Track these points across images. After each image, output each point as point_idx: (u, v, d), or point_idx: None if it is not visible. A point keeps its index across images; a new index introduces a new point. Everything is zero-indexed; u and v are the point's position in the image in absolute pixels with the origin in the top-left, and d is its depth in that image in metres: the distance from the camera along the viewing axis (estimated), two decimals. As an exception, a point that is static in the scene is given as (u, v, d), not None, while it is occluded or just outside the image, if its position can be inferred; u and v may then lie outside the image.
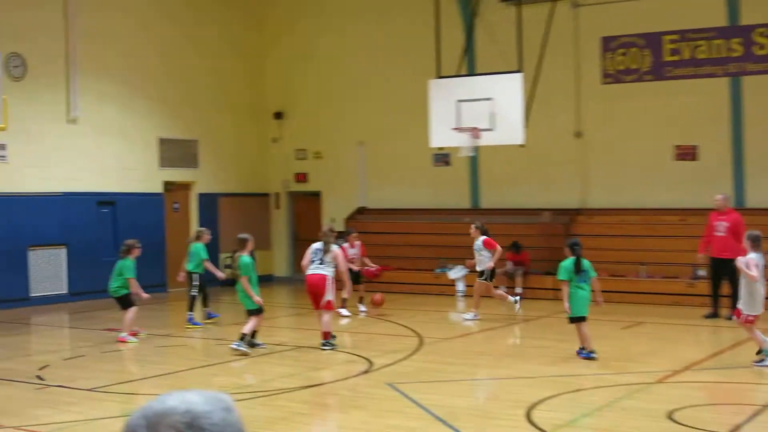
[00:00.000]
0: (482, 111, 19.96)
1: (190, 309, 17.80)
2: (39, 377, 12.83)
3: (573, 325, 13.75)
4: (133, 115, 23.89)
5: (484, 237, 18.24)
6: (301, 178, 27.44)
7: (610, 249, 22.05)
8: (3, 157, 20.89)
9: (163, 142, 24.69)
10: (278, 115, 27.61)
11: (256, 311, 14.77)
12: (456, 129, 20.19)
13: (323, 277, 14.67)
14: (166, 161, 24.75)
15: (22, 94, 20.98)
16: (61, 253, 21.81)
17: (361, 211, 26.16)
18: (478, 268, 18.32)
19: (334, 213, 26.62)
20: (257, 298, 14.71)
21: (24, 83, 21.31)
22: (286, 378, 12.67)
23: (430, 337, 16.07)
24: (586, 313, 13.64)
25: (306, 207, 27.67)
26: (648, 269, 21.37)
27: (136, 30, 24.02)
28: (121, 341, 15.76)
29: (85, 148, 22.62)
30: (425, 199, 25.47)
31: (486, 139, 20.12)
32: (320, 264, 14.71)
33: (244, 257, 14.89)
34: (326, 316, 14.76)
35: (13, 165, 21.05)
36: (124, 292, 16.19)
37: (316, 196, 27.35)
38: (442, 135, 20.59)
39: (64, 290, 21.83)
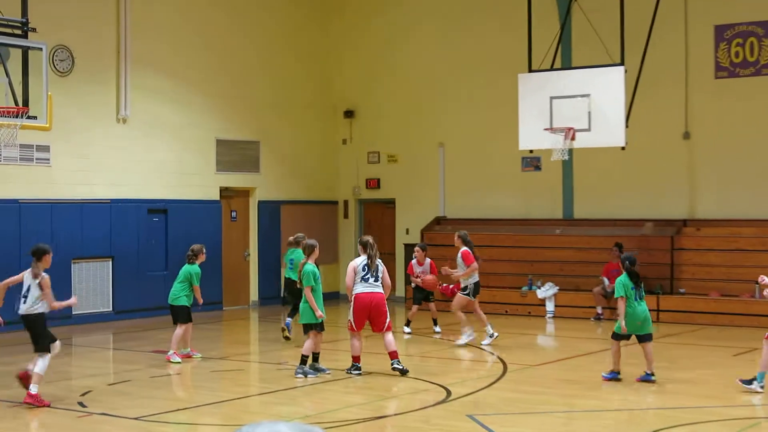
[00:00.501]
0: (578, 109, 19.77)
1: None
2: (81, 404, 12.93)
3: (639, 345, 14.13)
4: (188, 114, 24.11)
5: (464, 249, 17.99)
6: (373, 184, 27.46)
7: (720, 265, 21.68)
8: (46, 160, 21.20)
9: (221, 144, 24.88)
10: (349, 114, 27.68)
11: (317, 327, 14.77)
12: (548, 129, 20.01)
13: (382, 296, 14.89)
14: (223, 165, 24.94)
15: (68, 90, 21.29)
16: (107, 266, 22.05)
17: (439, 221, 26.08)
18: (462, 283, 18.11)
19: (409, 223, 26.58)
20: (320, 312, 14.73)
21: (70, 79, 21.63)
22: (354, 408, 12.60)
23: (515, 363, 15.91)
24: (648, 331, 14.06)
25: (378, 216, 27.66)
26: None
27: (193, 22, 24.27)
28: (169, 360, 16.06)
29: (135, 150, 22.87)
30: (512, 208, 25.29)
31: (582, 141, 19.91)
32: (375, 281, 14.88)
33: (309, 265, 14.94)
34: (391, 335, 14.97)
35: (57, 169, 21.35)
36: (185, 302, 16.45)
37: (389, 204, 27.33)
38: (532, 136, 20.43)
39: (109, 308, 22.07)
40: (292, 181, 26.73)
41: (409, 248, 26.16)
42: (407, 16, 26.90)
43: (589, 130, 19.74)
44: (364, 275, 14.91)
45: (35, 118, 16.94)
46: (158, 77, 23.41)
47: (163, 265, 22.87)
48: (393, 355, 14.88)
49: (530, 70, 20.90)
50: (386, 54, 27.18)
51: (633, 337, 14.13)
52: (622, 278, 14.03)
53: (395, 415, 12.39)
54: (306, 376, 14.53)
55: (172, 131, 23.76)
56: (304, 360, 14.68)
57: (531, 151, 22.34)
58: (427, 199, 26.47)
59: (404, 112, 26.81)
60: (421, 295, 19.96)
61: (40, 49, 17.06)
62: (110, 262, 22.08)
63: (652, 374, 13.99)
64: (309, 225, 26.63)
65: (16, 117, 16.37)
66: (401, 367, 14.76)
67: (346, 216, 28.02)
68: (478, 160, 25.71)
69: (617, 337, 14.14)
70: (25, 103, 16.81)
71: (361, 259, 15.05)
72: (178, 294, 16.52)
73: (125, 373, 15.48)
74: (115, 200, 22.37)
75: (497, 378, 14.60)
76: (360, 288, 14.90)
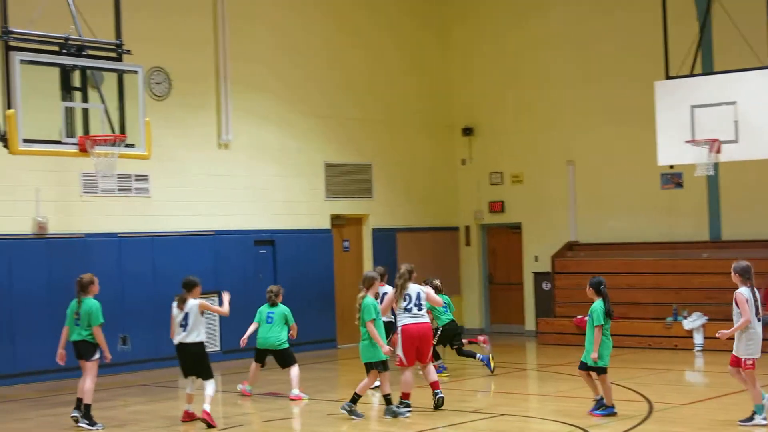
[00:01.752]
0: (723, 118, 19.46)
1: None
2: (189, 450, 13.09)
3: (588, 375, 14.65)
4: (294, 138, 24.34)
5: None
6: (497, 207, 27.35)
7: None
8: (145, 191, 21.59)
9: (330, 168, 25.04)
10: (468, 132, 27.66)
11: (380, 365, 14.82)
12: (690, 142, 19.72)
13: (429, 326, 15.37)
14: (333, 191, 25.09)
15: (166, 115, 21.67)
16: (213, 302, 22.25)
17: (570, 246, 25.85)
18: None
19: (537, 249, 26.40)
20: (386, 348, 14.80)
21: (167, 103, 22.02)
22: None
23: (661, 402, 15.67)
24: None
25: (503, 243, 27.54)
26: None
27: (296, 41, 24.53)
28: (295, 399, 16.71)
29: (239, 177, 23.16)
30: (652, 230, 24.95)
31: (728, 154, 19.57)
32: (419, 311, 15.18)
33: (369, 298, 15.01)
34: (432, 367, 15.38)
35: (157, 200, 21.74)
36: (287, 344, 17.15)
37: (515, 229, 27.19)
38: (672, 150, 20.16)
39: (216, 347, 22.29)
40: (407, 206, 26.77)
41: (539, 277, 26.01)
42: (530, 26, 26.79)
43: (736, 141, 19.40)
44: (406, 306, 15.16)
45: (133, 146, 17.23)
46: (260, 98, 23.69)
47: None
48: (435, 386, 15.28)
49: (667, 77, 20.64)
50: (507, 66, 27.10)
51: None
52: (599, 305, 14.46)
53: (531, 460, 12.27)
54: (350, 414, 14.78)
55: (278, 156, 23.99)
56: (387, 400, 14.88)
57: (671, 167, 22.07)
58: (556, 222, 26.26)
59: (529, 128, 26.68)
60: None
61: (136, 72, 17.37)
62: (216, 298, 22.30)
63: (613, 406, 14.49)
64: (427, 253, 26.66)
65: (113, 145, 16.67)
66: (442, 396, 15.23)
67: (467, 243, 27.93)
68: (611, 178, 25.43)
69: (597, 370, 14.58)
70: (122, 130, 17.12)
71: (392, 290, 15.59)
72: (283, 338, 17.20)
73: (237, 417, 15.61)
74: (219, 232, 22.67)
75: (642, 419, 14.38)
76: (405, 319, 15.16)
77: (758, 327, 13.53)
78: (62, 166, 19.94)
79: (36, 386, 19.20)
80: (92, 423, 14.70)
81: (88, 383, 14.78)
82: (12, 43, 16.08)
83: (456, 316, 27.24)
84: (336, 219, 25.29)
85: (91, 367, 14.94)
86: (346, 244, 25.63)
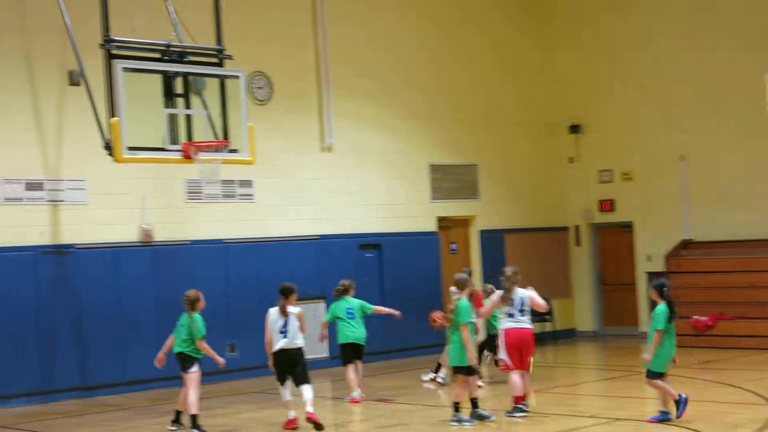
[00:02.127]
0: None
1: None
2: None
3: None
4: (398, 139, 24.42)
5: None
6: (607, 206, 27.13)
7: None
8: (250, 196, 21.82)
9: (436, 170, 25.07)
10: (574, 129, 27.47)
11: (464, 371, 14.83)
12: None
13: (531, 332, 15.32)
14: (439, 192, 25.12)
15: (268, 119, 21.88)
16: (319, 308, 22.43)
17: (685, 245, 25.53)
18: None
19: (650, 248, 26.12)
20: (473, 356, 14.83)
21: (269, 107, 22.24)
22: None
23: (786, 405, 15.42)
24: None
25: (614, 242, 27.29)
26: None
27: (398, 40, 24.64)
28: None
29: (343, 180, 23.31)
30: (770, 226, 24.58)
31: None
32: (522, 315, 15.25)
33: (464, 300, 15.04)
34: (527, 379, 15.38)
35: (261, 205, 21.95)
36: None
37: (626, 228, 26.94)
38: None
39: (326, 353, 22.43)
40: (515, 206, 26.67)
41: (652, 277, 25.69)
42: (637, 15, 26.51)
43: None
44: (509, 310, 15.26)
45: (237, 151, 17.46)
46: (362, 101, 23.81)
47: (379, 304, 23.09)
48: (519, 400, 15.17)
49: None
50: (615, 59, 26.83)
51: None
52: (662, 308, 14.37)
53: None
54: (461, 423, 14.64)
55: (382, 158, 24.09)
56: (456, 407, 14.80)
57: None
58: (669, 220, 25.94)
59: (638, 123, 26.39)
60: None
61: (237, 77, 17.59)
62: (323, 304, 22.48)
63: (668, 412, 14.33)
64: (536, 255, 26.56)
65: (217, 151, 16.89)
66: (519, 416, 15.01)
67: (578, 243, 27.74)
68: (726, 172, 25.03)
69: (656, 375, 14.51)
70: (225, 135, 17.36)
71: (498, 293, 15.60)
72: (365, 332, 17.91)
73: (350, 424, 15.69)
74: (324, 236, 22.82)
75: (766, 423, 14.14)
76: (507, 323, 15.25)
77: None
78: (166, 173, 20.25)
79: (145, 394, 19.51)
80: None
81: (191, 395, 15.00)
82: (114, 52, 16.40)
83: (567, 319, 27.36)
84: (442, 221, 25.30)
85: (191, 379, 15.16)
86: (453, 246, 25.62)
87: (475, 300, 17.49)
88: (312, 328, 22.21)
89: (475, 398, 15.03)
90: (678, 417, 14.16)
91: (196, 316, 15.20)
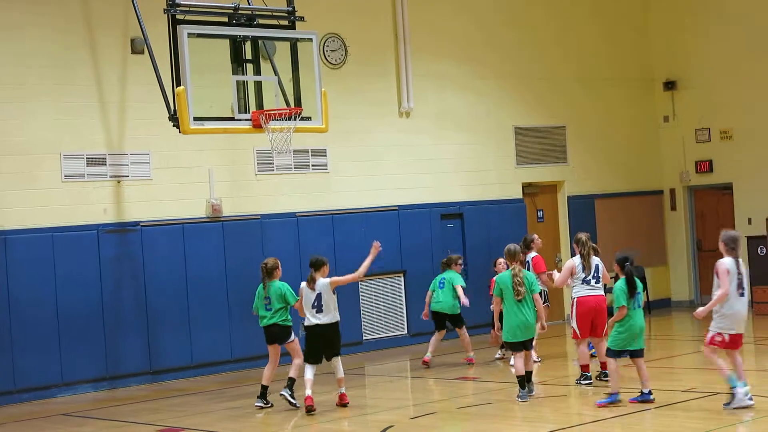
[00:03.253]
0: None
1: None
2: (380, 441, 13.31)
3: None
4: (479, 101, 24.32)
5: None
6: (705, 167, 26.88)
7: None
8: (323, 166, 21.86)
9: (520, 133, 24.98)
10: (669, 85, 27.22)
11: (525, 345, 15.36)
12: None
13: (604, 299, 16.06)
14: (525, 157, 25.03)
15: (342, 84, 21.88)
16: (398, 282, 22.51)
17: (789, 207, 25.27)
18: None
19: (751, 211, 25.85)
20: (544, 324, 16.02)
21: (343, 71, 22.25)
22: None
23: None
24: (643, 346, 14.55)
25: (713, 206, 27.05)
26: None
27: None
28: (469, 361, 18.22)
29: (422, 147, 23.27)
30: None
31: None
32: (596, 283, 15.87)
33: (524, 271, 15.52)
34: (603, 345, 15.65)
35: (336, 175, 21.98)
36: (456, 310, 19.14)
37: (726, 190, 26.68)
38: None
39: (404, 330, 22.52)
40: (606, 170, 26.49)
41: (753, 241, 25.45)
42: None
43: None
44: (585, 277, 15.81)
45: (309, 118, 17.51)
46: (442, 62, 23.73)
47: (464, 277, 23.13)
48: (603, 366, 15.86)
49: None
50: (713, 11, 26.50)
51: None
52: (621, 284, 14.42)
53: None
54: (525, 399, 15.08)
55: (463, 122, 24.02)
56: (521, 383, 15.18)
57: None
58: (772, 181, 25.68)
59: (737, 79, 26.05)
60: None
61: (310, 39, 17.62)
62: (402, 278, 22.54)
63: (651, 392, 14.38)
64: (629, 221, 26.40)
65: (289, 119, 16.95)
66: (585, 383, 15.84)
67: (673, 208, 27.53)
68: (833, 129, 24.71)
69: (631, 354, 14.48)
70: (297, 102, 17.41)
71: (577, 259, 16.01)
72: (451, 302, 19.11)
73: (429, 404, 15.77)
74: (402, 206, 22.82)
75: None
76: (582, 291, 15.83)
77: (737, 302, 13.54)
78: (235, 144, 20.35)
79: (214, 378, 19.72)
80: (292, 396, 15.52)
81: (296, 361, 15.67)
82: (179, 17, 16.52)
83: (662, 288, 27.18)
84: (528, 187, 25.21)
85: (292, 348, 15.84)
86: (540, 213, 25.54)
87: (537, 267, 18.32)
88: (389, 302, 22.44)
89: (530, 371, 15.55)
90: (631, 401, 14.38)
91: (282, 284, 15.76)
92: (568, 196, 25.77)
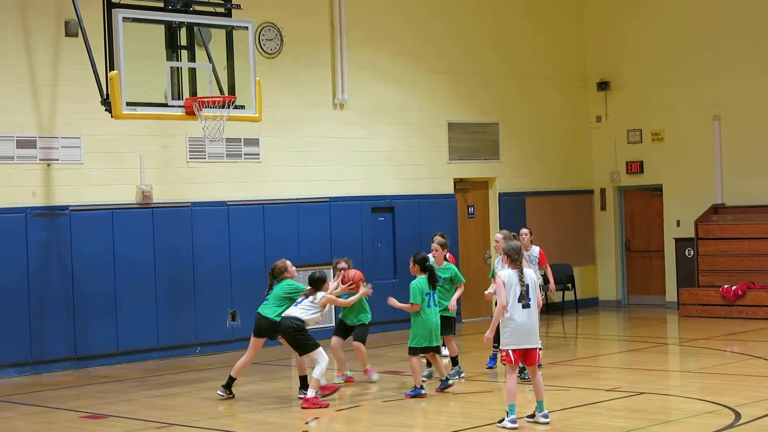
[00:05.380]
0: None
1: None
2: (306, 433, 13.34)
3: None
4: (414, 96, 24.37)
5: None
6: (635, 168, 27.13)
7: None
8: (255, 155, 21.82)
9: (454, 128, 25.06)
10: (603, 86, 27.44)
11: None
12: None
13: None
14: (457, 152, 25.12)
15: (277, 74, 21.86)
16: (327, 274, 22.44)
17: (716, 210, 25.53)
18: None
19: (680, 214, 26.13)
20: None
21: (278, 61, 22.21)
22: (624, 436, 12.59)
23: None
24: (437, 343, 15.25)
25: (642, 207, 27.32)
26: None
27: (412, -7, 24.54)
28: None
29: (355, 140, 23.28)
30: (808, 191, 24.58)
31: None
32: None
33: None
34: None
35: (268, 165, 21.95)
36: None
37: (655, 191, 26.95)
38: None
39: (332, 322, 22.52)
40: (537, 168, 26.67)
41: (680, 243, 25.77)
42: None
43: None
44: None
45: (243, 107, 17.49)
46: (378, 55, 23.76)
47: (392, 272, 23.23)
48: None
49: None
50: (648, 12, 26.74)
51: None
52: (419, 282, 15.07)
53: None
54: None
55: (397, 116, 24.06)
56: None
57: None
58: (700, 183, 25.93)
59: (670, 81, 26.32)
60: None
61: (246, 28, 17.59)
62: (331, 270, 22.52)
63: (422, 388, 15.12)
64: (559, 219, 26.61)
65: (223, 107, 16.92)
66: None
67: (603, 208, 27.77)
68: (762, 134, 24.99)
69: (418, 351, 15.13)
70: (231, 90, 17.39)
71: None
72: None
73: (356, 397, 15.81)
74: (334, 198, 22.84)
75: (796, 398, 14.26)
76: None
77: (519, 315, 12.91)
78: (168, 130, 20.25)
79: (138, 366, 19.64)
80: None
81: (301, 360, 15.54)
82: (115, 0, 16.42)
83: (590, 288, 27.44)
84: (460, 183, 25.32)
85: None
86: (471, 209, 25.66)
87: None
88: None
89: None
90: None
91: (290, 281, 15.73)
92: (500, 193, 25.90)
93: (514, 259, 13.08)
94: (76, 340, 19.40)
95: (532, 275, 13.19)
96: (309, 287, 15.41)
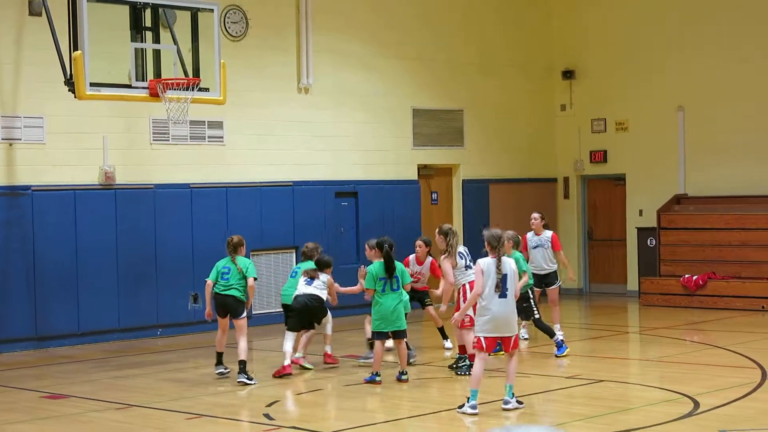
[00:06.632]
0: None
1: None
2: (267, 416, 13.35)
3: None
4: (379, 81, 24.39)
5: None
6: (599, 157, 27.24)
7: None
8: (219, 138, 21.80)
9: (418, 115, 25.10)
10: (568, 74, 27.51)
11: None
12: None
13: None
14: (421, 139, 25.16)
15: (242, 57, 21.82)
16: (289, 258, 22.53)
17: (678, 200, 25.69)
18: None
19: (642, 203, 26.25)
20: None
21: (244, 44, 22.18)
22: (585, 422, 12.64)
23: (776, 369, 15.64)
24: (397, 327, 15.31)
25: (605, 196, 27.44)
26: None
27: (380, -24, 24.52)
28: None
29: (320, 124, 23.27)
30: (768, 182, 24.74)
31: None
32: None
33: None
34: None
35: (231, 148, 21.93)
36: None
37: (618, 181, 27.08)
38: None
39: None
40: (501, 155, 26.73)
41: (642, 233, 25.88)
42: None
43: None
44: (466, 263, 15.71)
45: (207, 90, 17.50)
46: (344, 39, 23.75)
47: (355, 257, 23.24)
48: (463, 350, 15.88)
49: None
50: (613, 1, 26.86)
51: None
52: (374, 267, 15.35)
53: (636, 430, 12.35)
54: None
55: (362, 101, 24.08)
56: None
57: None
58: (663, 173, 26.05)
59: (635, 70, 26.43)
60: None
61: (212, 10, 17.60)
62: (294, 254, 22.58)
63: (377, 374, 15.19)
64: (522, 207, 26.56)
65: (187, 89, 16.92)
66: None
67: (566, 196, 27.88)
68: (726, 125, 25.13)
69: (377, 336, 15.32)
70: (196, 73, 17.39)
71: (461, 248, 16.00)
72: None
73: (316, 381, 15.86)
74: (297, 182, 22.85)
75: (755, 387, 14.36)
76: (467, 277, 15.47)
77: (495, 304, 13.02)
78: (131, 112, 20.20)
79: (100, 347, 19.61)
80: (249, 378, 15.39)
81: (243, 341, 15.56)
82: (78, -20, 16.37)
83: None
84: (424, 169, 25.36)
85: (243, 325, 15.72)
86: (434, 196, 25.72)
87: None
88: (280, 278, 22.48)
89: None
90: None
91: (246, 259, 15.84)
92: (463, 180, 25.96)
93: (494, 246, 13.18)
94: (37, 320, 19.36)
95: (511, 265, 13.28)
96: (314, 269, 16.42)
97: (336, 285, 16.56)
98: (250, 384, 15.31)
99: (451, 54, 25.69)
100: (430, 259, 18.04)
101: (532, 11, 27.53)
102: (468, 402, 12.96)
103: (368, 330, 16.66)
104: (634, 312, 23.95)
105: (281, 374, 15.83)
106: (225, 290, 15.65)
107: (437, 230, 15.95)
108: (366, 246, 17.08)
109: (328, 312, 16.67)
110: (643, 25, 26.29)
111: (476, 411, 12.89)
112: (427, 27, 25.26)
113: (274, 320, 21.65)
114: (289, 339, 16.09)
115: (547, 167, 27.77)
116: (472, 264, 15.34)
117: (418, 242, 17.93)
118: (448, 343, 18.16)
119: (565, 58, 27.60)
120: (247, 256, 16.15)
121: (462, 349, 15.93)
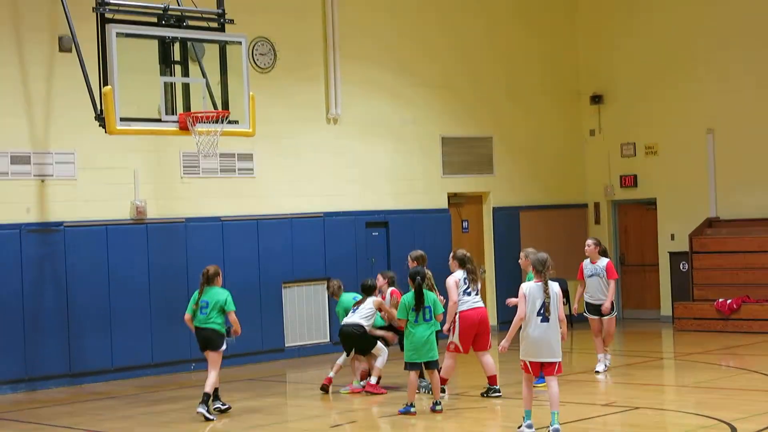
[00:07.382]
0: None
1: None
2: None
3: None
4: (407, 110, 24.39)
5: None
6: (629, 182, 27.17)
7: None
8: (249, 170, 21.82)
9: (448, 143, 25.09)
10: (596, 99, 27.48)
11: None
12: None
13: (486, 311, 16.48)
14: (451, 167, 25.14)
15: (271, 89, 21.85)
16: (321, 290, 22.47)
17: (710, 223, 25.58)
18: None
19: (674, 227, 26.15)
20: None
21: (272, 75, 22.22)
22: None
23: (814, 394, 15.52)
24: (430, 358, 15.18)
25: (636, 220, 27.35)
26: None
27: (406, 7, 24.50)
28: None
29: (349, 154, 23.29)
30: (803, 204, 24.61)
31: None
32: (477, 295, 16.33)
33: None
34: (489, 357, 16.38)
35: (262, 180, 21.96)
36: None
37: (649, 205, 27.00)
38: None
39: (325, 338, 22.52)
40: (531, 182, 26.70)
41: (675, 257, 25.76)
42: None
43: None
44: (466, 289, 16.17)
45: (237, 122, 17.50)
46: (372, 69, 23.77)
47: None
48: (493, 381, 16.20)
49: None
50: (640, 26, 26.81)
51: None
52: (406, 297, 15.29)
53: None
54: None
55: (391, 130, 24.08)
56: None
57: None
58: (694, 197, 25.97)
59: (663, 94, 26.39)
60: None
61: (240, 43, 17.62)
62: (325, 286, 22.54)
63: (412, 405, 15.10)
64: (553, 233, 26.56)
65: (216, 122, 16.93)
66: (495, 396, 16.09)
67: (597, 221, 27.79)
68: (756, 147, 25.05)
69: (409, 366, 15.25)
70: (225, 105, 17.39)
71: (459, 275, 16.34)
72: None
73: (350, 413, 15.80)
74: (328, 213, 22.84)
75: (792, 412, 14.27)
76: (464, 305, 16.12)
77: (535, 329, 13.11)
78: (161, 146, 20.25)
79: (133, 382, 19.60)
80: (210, 412, 15.32)
81: (213, 377, 15.56)
82: (108, 15, 16.44)
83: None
84: (454, 197, 25.34)
85: (215, 359, 15.70)
86: (465, 224, 25.68)
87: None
88: (312, 310, 22.45)
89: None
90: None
91: (223, 290, 15.92)
92: (493, 208, 25.93)
93: (540, 270, 13.33)
94: (71, 357, 19.37)
95: (556, 289, 13.30)
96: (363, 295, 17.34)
97: (383, 303, 17.12)
98: (210, 419, 15.21)
99: (479, 81, 25.70)
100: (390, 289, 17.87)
101: (559, 37, 27.53)
102: (524, 422, 13.04)
103: (356, 365, 17.30)
104: (668, 337, 23.82)
105: (323, 385, 17.16)
106: (205, 323, 15.66)
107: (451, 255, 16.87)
108: (408, 258, 17.66)
109: (378, 343, 17.03)
110: (671, 48, 26.25)
111: (533, 430, 12.93)
112: (455, 55, 25.28)
113: (308, 352, 21.66)
114: (342, 356, 17.22)
115: (577, 193, 27.71)
116: (471, 292, 16.09)
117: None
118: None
119: (593, 83, 27.57)
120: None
121: (492, 379, 16.16)
